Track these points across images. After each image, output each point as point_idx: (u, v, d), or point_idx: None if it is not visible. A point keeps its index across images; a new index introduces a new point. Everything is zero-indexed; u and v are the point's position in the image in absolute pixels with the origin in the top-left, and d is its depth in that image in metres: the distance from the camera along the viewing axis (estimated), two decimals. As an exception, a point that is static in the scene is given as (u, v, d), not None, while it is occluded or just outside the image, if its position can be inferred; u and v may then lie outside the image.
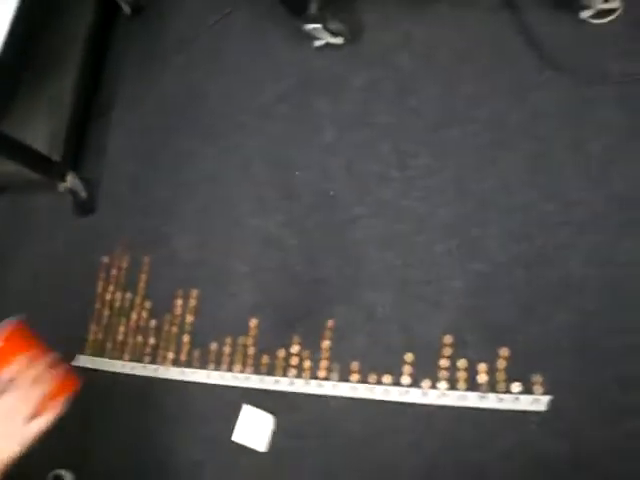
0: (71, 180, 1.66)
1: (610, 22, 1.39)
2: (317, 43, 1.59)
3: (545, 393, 1.24)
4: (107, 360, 1.62)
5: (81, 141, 1.77)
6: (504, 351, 1.29)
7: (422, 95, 1.51)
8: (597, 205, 1.31)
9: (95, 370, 1.63)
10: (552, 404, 1.23)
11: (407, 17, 1.57)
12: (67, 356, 1.61)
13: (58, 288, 1.75)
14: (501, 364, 1.29)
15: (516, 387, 1.27)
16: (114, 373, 1.60)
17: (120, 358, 1.61)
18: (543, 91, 1.41)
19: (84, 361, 1.65)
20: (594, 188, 1.32)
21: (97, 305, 1.68)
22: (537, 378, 1.25)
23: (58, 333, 1.68)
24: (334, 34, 1.55)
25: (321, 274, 1.48)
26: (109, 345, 1.63)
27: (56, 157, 1.64)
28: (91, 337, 1.66)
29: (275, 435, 1.41)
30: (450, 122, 1.47)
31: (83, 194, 1.70)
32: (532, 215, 1.35)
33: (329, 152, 1.56)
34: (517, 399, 1.26)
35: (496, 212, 1.37)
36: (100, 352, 1.64)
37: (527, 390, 1.26)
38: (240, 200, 1.61)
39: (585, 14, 1.40)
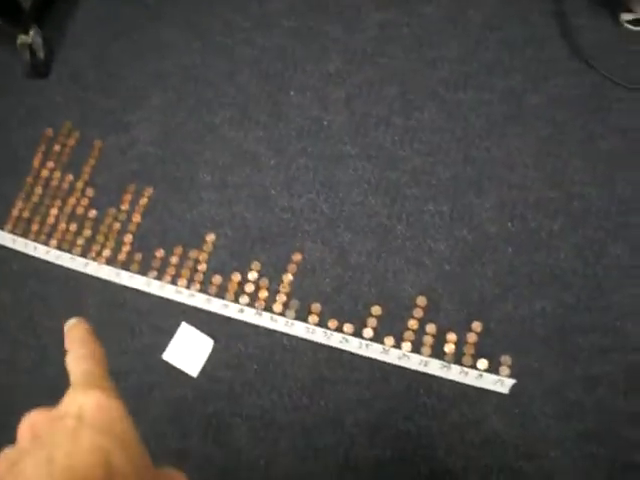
0: (33, 34, 1.45)
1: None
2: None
3: (510, 376, 1.21)
4: (30, 242, 1.43)
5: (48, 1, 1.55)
6: (477, 325, 1.25)
7: (441, 51, 1.44)
8: (598, 203, 1.29)
9: (12, 250, 1.43)
10: (514, 388, 1.20)
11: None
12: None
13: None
14: (471, 338, 1.25)
15: (482, 364, 1.23)
16: (34, 258, 1.42)
17: (46, 244, 1.42)
18: (566, 79, 1.38)
19: (2, 238, 1.45)
20: (598, 186, 1.30)
21: (29, 179, 1.48)
22: (505, 359, 1.22)
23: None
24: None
25: (296, 203, 1.37)
26: (35, 227, 1.44)
27: (25, 4, 1.43)
28: (15, 213, 1.46)
29: (210, 362, 1.30)
30: (465, 85, 1.40)
31: (41, 54, 1.49)
32: (530, 196, 1.31)
33: (330, 81, 1.45)
34: (481, 376, 1.22)
35: (496, 185, 1.33)
36: (23, 232, 1.44)
37: (493, 369, 1.22)
38: (219, 105, 1.47)
39: (625, 17, 1.39)
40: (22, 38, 1.45)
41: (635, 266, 1.25)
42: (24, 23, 1.43)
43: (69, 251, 1.42)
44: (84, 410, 0.43)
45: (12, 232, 1.45)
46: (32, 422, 0.44)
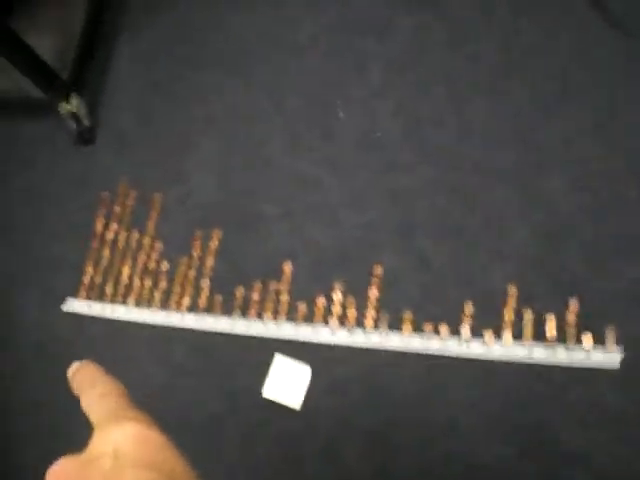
0: (75, 102, 1.46)
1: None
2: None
3: (618, 349, 1.19)
4: (107, 305, 1.43)
5: (85, 64, 1.57)
6: (574, 303, 1.23)
7: (477, 43, 1.45)
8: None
9: (91, 317, 1.43)
10: (625, 361, 1.18)
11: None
12: (57, 301, 1.46)
13: (49, 227, 1.55)
14: (571, 318, 1.22)
15: (587, 342, 1.21)
16: (113, 320, 1.41)
17: (124, 303, 1.42)
18: (607, 50, 1.38)
19: (77, 306, 1.45)
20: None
21: (95, 244, 1.49)
22: (610, 333, 1.20)
23: (47, 278, 1.50)
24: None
25: (365, 218, 1.37)
26: (109, 289, 1.44)
27: (64, 75, 1.44)
28: (86, 280, 1.46)
29: (311, 391, 1.28)
30: (509, 72, 1.41)
31: (86, 120, 1.50)
32: (598, 168, 1.30)
33: (375, 93, 1.46)
34: (588, 355, 1.20)
35: (559, 163, 1.32)
36: (98, 296, 1.44)
37: (599, 345, 1.20)
38: (270, 138, 1.48)
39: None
40: (65, 107, 1.46)
41: None
42: (65, 92, 1.44)
43: (148, 307, 1.42)
44: (120, 446, 0.38)
45: (86, 298, 1.45)
46: (62, 473, 0.39)
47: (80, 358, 1.48)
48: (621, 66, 1.36)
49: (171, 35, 1.64)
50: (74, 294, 1.46)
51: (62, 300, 1.46)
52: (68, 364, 1.50)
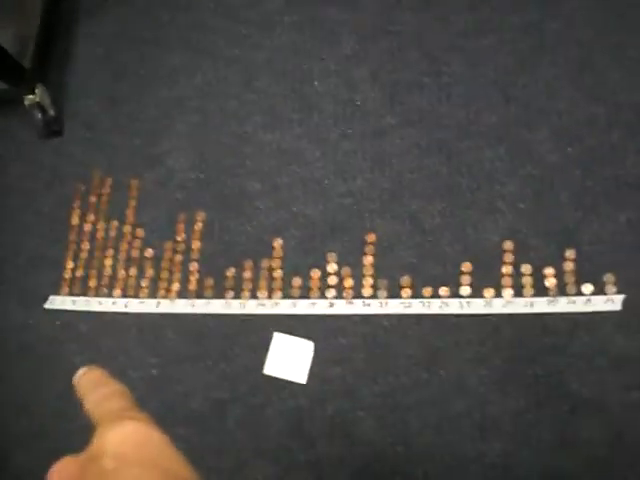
0: (40, 92, 1.40)
1: None
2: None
3: (618, 292, 1.20)
4: (92, 299, 1.38)
5: (46, 53, 1.51)
6: (570, 253, 1.23)
7: (448, 4, 1.44)
8: (647, 107, 1.30)
9: (75, 312, 1.38)
10: (626, 303, 1.19)
11: None
12: (39, 300, 1.40)
13: (22, 224, 1.48)
14: (568, 266, 1.23)
15: (587, 288, 1.22)
16: (101, 313, 1.36)
17: (109, 295, 1.37)
18: (576, 1, 1.39)
19: (61, 303, 1.39)
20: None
21: (72, 238, 1.43)
22: (608, 277, 1.21)
23: (25, 277, 1.44)
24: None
25: (353, 186, 1.35)
26: (93, 282, 1.39)
27: (27, 64, 1.38)
28: (67, 275, 1.40)
29: (315, 364, 1.26)
30: (482, 30, 1.41)
31: (51, 111, 1.44)
32: (580, 117, 1.31)
33: (350, 62, 1.44)
34: (589, 300, 1.21)
35: (543, 115, 1.32)
36: (82, 291, 1.39)
37: (599, 291, 1.21)
38: (246, 114, 1.44)
39: None
40: (30, 98, 1.40)
41: None
42: (32, 83, 1.38)
43: (136, 296, 1.37)
44: (120, 446, 0.38)
45: (70, 294, 1.40)
46: (63, 472, 0.39)
47: (68, 356, 1.43)
48: (592, 14, 1.37)
49: (133, 17, 1.59)
50: (56, 291, 1.41)
51: (44, 299, 1.40)
52: (56, 363, 1.45)
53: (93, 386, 0.47)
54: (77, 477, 0.38)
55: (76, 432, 1.31)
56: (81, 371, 0.49)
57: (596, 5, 1.38)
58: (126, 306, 1.36)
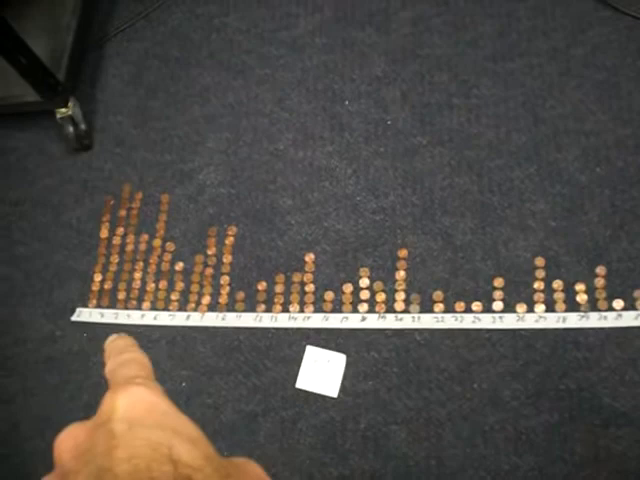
0: (73, 106, 1.41)
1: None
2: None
3: (649, 307, 1.22)
4: (121, 311, 1.37)
5: (79, 67, 1.52)
6: (601, 269, 1.25)
7: (477, 30, 1.48)
8: (673, 129, 1.34)
9: (103, 325, 1.37)
10: (657, 318, 1.20)
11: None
12: (66, 313, 1.39)
13: (52, 238, 1.48)
14: (599, 282, 1.25)
15: (618, 304, 1.23)
16: (130, 326, 1.35)
17: (138, 308, 1.37)
18: (601, 28, 1.44)
19: (88, 315, 1.38)
20: (668, 113, 1.35)
21: (101, 250, 1.43)
22: (639, 293, 1.23)
23: (53, 290, 1.43)
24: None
25: (384, 203, 1.37)
26: (122, 295, 1.38)
27: (60, 77, 1.39)
28: (95, 288, 1.40)
29: (347, 378, 1.26)
30: (510, 54, 1.44)
31: (82, 125, 1.45)
32: (608, 139, 1.35)
33: (380, 83, 1.46)
34: (620, 316, 1.22)
35: (571, 137, 1.36)
36: (110, 303, 1.38)
37: (630, 306, 1.23)
38: (277, 132, 1.46)
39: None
40: (62, 112, 1.41)
41: None
42: (62, 96, 1.39)
43: (165, 309, 1.36)
44: (130, 409, 0.37)
45: (98, 306, 1.39)
46: (70, 439, 0.38)
47: (95, 369, 1.42)
48: (616, 41, 1.42)
49: (165, 36, 1.61)
50: (84, 303, 1.40)
51: (71, 311, 1.39)
52: (83, 376, 1.44)
53: (117, 352, 0.46)
54: (85, 442, 0.37)
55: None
56: (112, 337, 0.49)
57: (620, 31, 1.42)
58: (155, 319, 1.35)
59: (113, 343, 0.48)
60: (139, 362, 0.45)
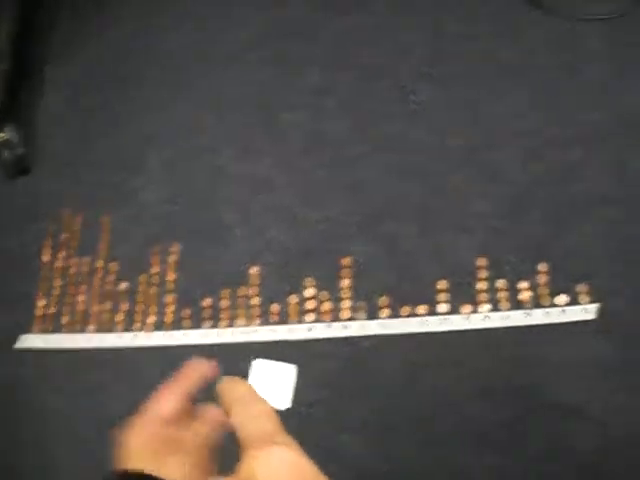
0: (10, 131, 1.40)
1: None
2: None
3: (592, 301, 1.22)
4: (65, 336, 1.35)
5: (17, 91, 1.51)
6: (543, 266, 1.26)
7: (409, 37, 1.50)
8: (605, 123, 1.35)
9: (49, 351, 1.34)
10: (601, 311, 1.21)
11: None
12: (9, 340, 1.36)
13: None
14: (542, 279, 1.25)
15: (561, 299, 1.24)
16: (76, 350, 1.33)
17: (83, 331, 1.35)
18: (533, 29, 1.46)
19: (32, 341, 1.36)
20: (600, 109, 1.36)
21: (43, 275, 1.41)
22: (582, 287, 1.23)
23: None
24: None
25: (327, 213, 1.37)
26: (66, 318, 1.36)
27: (-6, 101, 1.39)
28: (39, 312, 1.38)
29: (299, 389, 1.25)
30: (445, 59, 1.46)
31: (20, 149, 1.44)
32: (544, 137, 1.36)
33: (318, 93, 1.47)
34: (564, 311, 1.23)
35: (509, 137, 1.37)
36: (55, 328, 1.36)
37: (573, 301, 1.23)
38: (217, 147, 1.46)
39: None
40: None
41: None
42: (2, 120, 1.38)
43: (111, 331, 1.35)
44: (272, 475, 0.38)
45: (42, 332, 1.37)
46: None
47: (42, 395, 1.39)
48: (548, 41, 1.44)
49: (104, 56, 1.61)
50: (27, 329, 1.38)
51: (15, 338, 1.37)
52: (29, 404, 1.41)
53: (242, 401, 0.47)
54: None
55: (51, 469, 1.28)
56: (226, 380, 0.50)
57: (551, 32, 1.45)
58: (102, 341, 1.34)
59: (233, 390, 0.49)
60: (270, 414, 0.45)
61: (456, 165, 1.36)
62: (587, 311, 1.22)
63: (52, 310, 1.38)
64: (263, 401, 0.47)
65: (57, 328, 1.37)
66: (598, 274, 1.24)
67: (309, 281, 1.32)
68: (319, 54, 1.52)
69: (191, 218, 1.41)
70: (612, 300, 1.22)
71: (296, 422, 1.23)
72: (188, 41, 1.59)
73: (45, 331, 1.37)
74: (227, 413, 0.47)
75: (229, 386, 0.50)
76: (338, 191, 1.38)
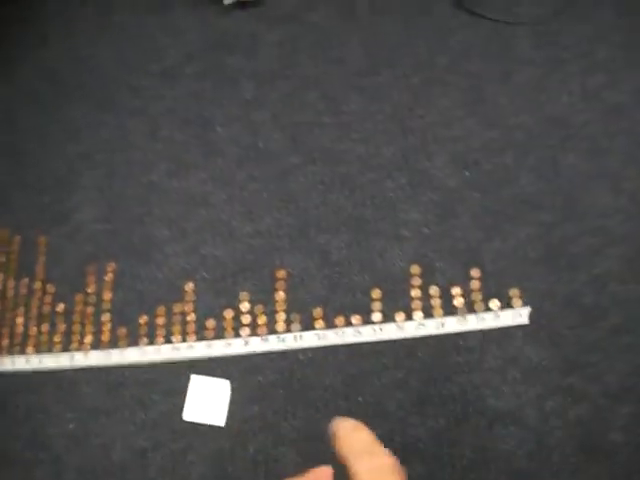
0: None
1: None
2: (227, 0, 1.53)
3: (524, 305, 1.23)
4: (5, 358, 1.34)
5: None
6: (475, 272, 1.26)
7: (343, 47, 1.49)
8: (535, 126, 1.36)
9: (-12, 374, 1.34)
10: (532, 315, 1.22)
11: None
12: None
13: None
14: (475, 285, 1.26)
15: (494, 304, 1.24)
16: (15, 373, 1.33)
17: (22, 353, 1.34)
18: (462, 34, 1.46)
19: (-29, 366, 1.35)
20: (529, 112, 1.37)
21: (-18, 298, 1.41)
22: (514, 292, 1.24)
23: None
24: (245, -12, 1.50)
25: (260, 226, 1.36)
26: (5, 341, 1.35)
27: None
28: (-23, 337, 1.37)
29: (233, 404, 1.24)
30: (377, 68, 1.46)
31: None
32: (475, 143, 1.36)
33: (251, 107, 1.47)
34: (498, 316, 1.23)
35: (440, 144, 1.37)
36: (-7, 351, 1.36)
37: (506, 305, 1.24)
38: (152, 163, 1.45)
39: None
40: None
41: (593, 167, 1.32)
42: None
43: (49, 352, 1.34)
44: None
45: (-18, 356, 1.37)
46: None
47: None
48: (478, 45, 1.45)
49: (32, 73, 1.60)
50: (-34, 354, 1.37)
51: (-47, 363, 1.37)
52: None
53: (365, 451, 0.47)
54: None
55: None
56: (344, 423, 0.49)
57: (480, 36, 1.45)
58: (40, 362, 1.33)
59: (353, 435, 0.48)
60: (396, 469, 0.45)
61: (387, 174, 1.36)
62: (520, 315, 1.22)
63: (-9, 333, 1.38)
64: (384, 451, 0.47)
65: (-4, 351, 1.37)
66: (530, 278, 1.25)
67: (244, 295, 1.32)
68: (255, 66, 1.52)
69: (125, 236, 1.40)
70: (544, 304, 1.23)
71: (232, 438, 1.23)
72: (122, 57, 1.58)
73: (-16, 354, 1.37)
74: (345, 461, 0.47)
75: (347, 431, 0.50)
76: (271, 204, 1.38)
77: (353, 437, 0.49)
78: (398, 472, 0.45)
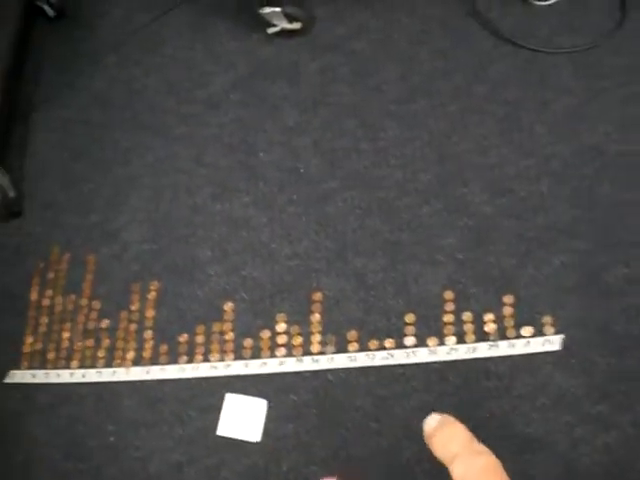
0: (1, 175, 1.48)
1: (553, 3, 1.53)
2: (271, 30, 1.58)
3: (556, 333, 1.24)
4: (50, 371, 1.40)
5: (6, 136, 1.59)
6: (508, 298, 1.28)
7: (382, 76, 1.55)
8: (571, 156, 1.37)
9: (35, 385, 1.40)
10: (564, 343, 1.22)
11: (358, 8, 1.63)
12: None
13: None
14: (507, 311, 1.27)
15: (526, 331, 1.25)
16: (59, 385, 1.39)
17: (67, 367, 1.40)
18: (500, 64, 1.50)
19: (20, 377, 1.42)
20: (566, 141, 1.39)
21: (31, 313, 1.47)
22: (546, 319, 1.25)
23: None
24: (291, 18, 1.55)
25: (298, 249, 1.41)
26: (52, 355, 1.42)
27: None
28: (26, 349, 1.44)
29: (269, 422, 1.28)
30: (414, 96, 1.50)
31: (11, 192, 1.51)
32: (511, 170, 1.39)
33: (292, 133, 1.52)
34: (528, 343, 1.24)
35: (476, 171, 1.40)
36: (41, 364, 1.42)
37: (538, 333, 1.24)
38: (198, 187, 1.52)
39: (530, -4, 1.53)
40: (-11, 181, 1.48)
41: (628, 197, 1.32)
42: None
43: (93, 366, 1.40)
44: None
45: (29, 368, 1.43)
46: None
47: (29, 428, 1.45)
48: (516, 75, 1.48)
49: (88, 102, 1.69)
50: (16, 365, 1.44)
51: (4, 373, 1.43)
52: (17, 436, 1.46)
53: (467, 450, 0.44)
54: None
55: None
56: (441, 423, 0.47)
57: (519, 66, 1.48)
58: (84, 376, 1.39)
59: (447, 431, 0.46)
60: (499, 468, 0.43)
61: (424, 199, 1.39)
62: (551, 342, 1.23)
63: (39, 347, 1.44)
64: (484, 449, 0.45)
65: (43, 364, 1.43)
66: (563, 306, 1.26)
67: (281, 316, 1.35)
68: (297, 94, 1.57)
69: (170, 256, 1.46)
70: (576, 332, 1.23)
71: (265, 455, 1.26)
72: (171, 83, 1.65)
73: (32, 367, 1.43)
74: (443, 462, 0.45)
75: (441, 426, 0.47)
76: (309, 227, 1.42)
77: (449, 437, 0.46)
78: (498, 471, 0.43)
